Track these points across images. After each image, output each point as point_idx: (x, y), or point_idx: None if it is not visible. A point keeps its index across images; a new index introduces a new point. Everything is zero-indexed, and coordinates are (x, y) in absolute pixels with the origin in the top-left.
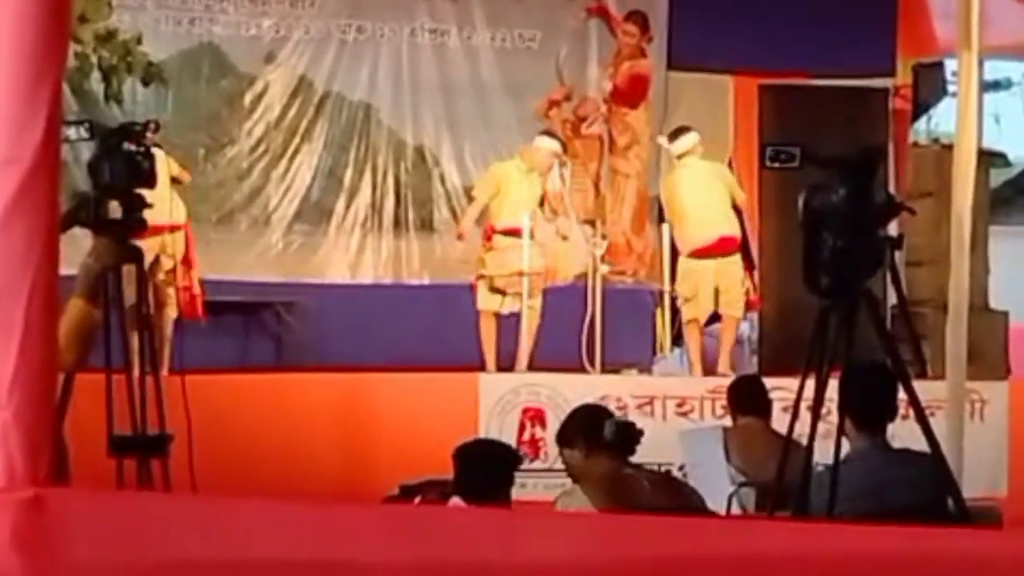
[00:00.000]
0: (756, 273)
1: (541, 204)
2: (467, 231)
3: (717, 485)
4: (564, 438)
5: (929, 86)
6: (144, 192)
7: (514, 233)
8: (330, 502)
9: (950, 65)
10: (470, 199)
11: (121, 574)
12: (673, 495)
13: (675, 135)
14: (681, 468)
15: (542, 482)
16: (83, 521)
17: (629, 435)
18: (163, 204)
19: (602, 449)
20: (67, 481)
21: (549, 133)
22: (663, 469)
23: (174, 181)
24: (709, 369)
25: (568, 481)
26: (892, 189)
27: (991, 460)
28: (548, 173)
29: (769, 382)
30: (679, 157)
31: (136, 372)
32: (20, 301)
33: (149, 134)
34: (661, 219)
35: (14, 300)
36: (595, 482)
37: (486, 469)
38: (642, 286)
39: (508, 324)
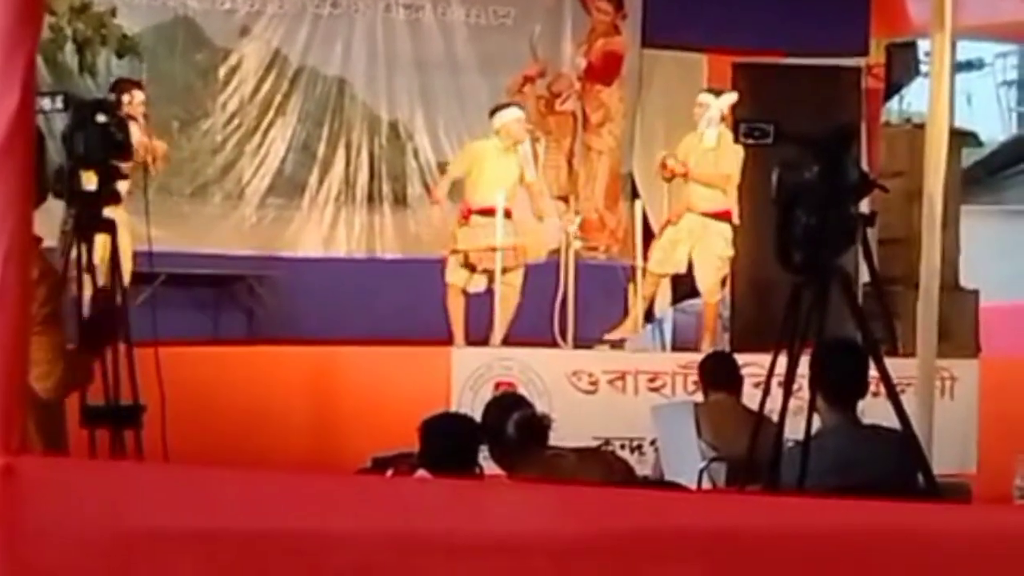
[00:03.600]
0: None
1: (520, 183)
2: (441, 199)
3: (688, 460)
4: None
5: (902, 66)
6: (119, 163)
7: (489, 212)
8: (301, 473)
9: (923, 45)
10: (444, 174)
11: (93, 543)
12: (603, 467)
13: None
14: (653, 443)
15: None
16: (55, 490)
17: (534, 428)
18: None
19: (513, 443)
20: (66, 451)
21: (505, 105)
22: (634, 443)
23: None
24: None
25: None
26: (864, 168)
27: (961, 437)
28: (523, 141)
29: (741, 358)
30: None
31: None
32: None
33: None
34: (635, 195)
35: None
36: (522, 470)
37: (451, 442)
38: (615, 262)
39: (481, 301)
